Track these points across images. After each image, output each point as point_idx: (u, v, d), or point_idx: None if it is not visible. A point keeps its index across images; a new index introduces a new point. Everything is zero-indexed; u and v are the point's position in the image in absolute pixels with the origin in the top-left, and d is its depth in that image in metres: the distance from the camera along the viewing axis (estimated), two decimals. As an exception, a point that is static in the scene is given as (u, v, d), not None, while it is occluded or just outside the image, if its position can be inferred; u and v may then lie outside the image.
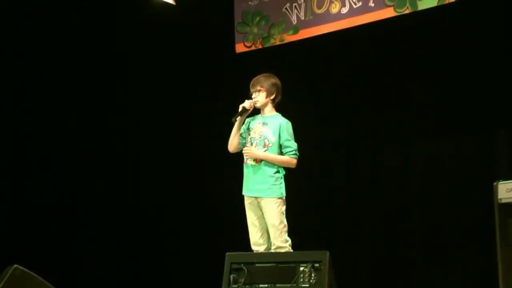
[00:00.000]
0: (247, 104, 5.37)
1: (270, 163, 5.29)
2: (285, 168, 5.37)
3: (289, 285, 4.48)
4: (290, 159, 5.31)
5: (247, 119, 5.47)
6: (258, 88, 5.39)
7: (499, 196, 4.28)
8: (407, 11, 6.46)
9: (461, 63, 6.46)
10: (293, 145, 5.32)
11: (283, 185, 5.32)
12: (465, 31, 6.41)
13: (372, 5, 6.64)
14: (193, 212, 7.74)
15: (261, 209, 5.31)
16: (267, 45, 7.39)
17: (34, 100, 7.79)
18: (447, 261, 6.50)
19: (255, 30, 7.46)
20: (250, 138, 5.40)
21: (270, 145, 5.31)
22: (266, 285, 4.56)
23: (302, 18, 7.11)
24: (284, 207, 5.29)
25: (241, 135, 5.44)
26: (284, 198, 5.30)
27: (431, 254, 6.62)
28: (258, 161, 5.31)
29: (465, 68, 6.44)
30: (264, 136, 5.34)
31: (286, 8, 7.22)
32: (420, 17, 6.49)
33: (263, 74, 5.47)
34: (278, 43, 7.32)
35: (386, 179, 6.86)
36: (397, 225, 6.78)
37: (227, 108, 7.54)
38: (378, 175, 6.93)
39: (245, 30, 7.52)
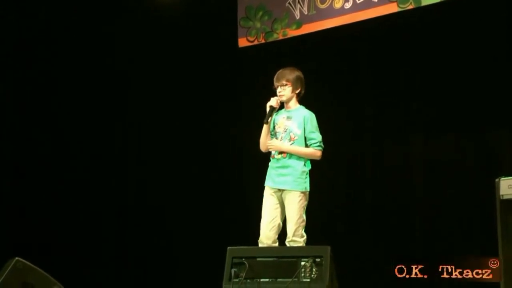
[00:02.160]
0: (273, 102, 5.36)
1: (296, 156, 5.29)
2: (311, 162, 5.37)
3: (290, 279, 4.48)
4: (314, 151, 5.31)
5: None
6: (284, 82, 5.37)
7: (501, 192, 4.29)
8: (410, 7, 6.44)
9: (464, 59, 6.44)
10: (318, 137, 5.32)
11: (308, 179, 5.31)
12: (468, 27, 6.40)
13: (375, 0, 6.63)
14: (195, 207, 7.74)
15: (280, 202, 5.31)
16: (270, 39, 7.38)
17: (37, 98, 7.83)
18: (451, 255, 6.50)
19: (258, 24, 7.45)
20: (276, 133, 5.39)
21: (296, 138, 5.31)
22: (267, 280, 4.56)
23: (305, 13, 7.11)
24: (306, 202, 5.28)
25: (270, 132, 5.44)
26: (307, 193, 5.29)
27: (432, 250, 6.62)
28: (283, 153, 5.31)
29: (467, 64, 6.42)
30: (290, 129, 5.33)
31: (289, 3, 7.22)
32: (423, 12, 6.47)
33: (287, 68, 5.44)
34: (281, 37, 7.31)
35: (388, 176, 6.86)
36: (399, 221, 6.78)
37: (229, 102, 7.58)
38: (380, 171, 6.93)
39: (248, 25, 7.52)
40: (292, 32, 7.22)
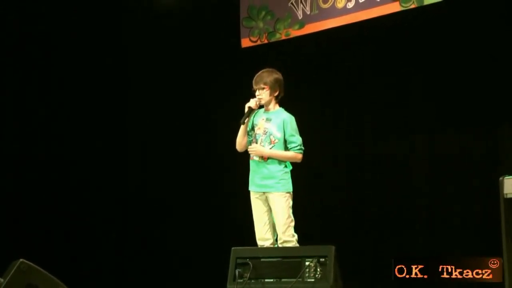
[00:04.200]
0: (252, 103, 5.35)
1: (276, 159, 5.29)
2: (292, 163, 5.37)
3: (294, 279, 4.48)
4: (295, 154, 5.30)
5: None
6: (262, 85, 5.36)
7: (505, 191, 4.26)
8: (412, 6, 6.44)
9: (466, 58, 6.45)
10: (298, 140, 5.31)
11: (290, 179, 5.31)
12: (470, 26, 6.40)
13: (378, -1, 6.64)
14: (198, 208, 7.75)
15: (267, 204, 5.31)
16: (273, 39, 7.39)
17: (39, 97, 7.85)
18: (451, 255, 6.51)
19: (261, 25, 7.46)
20: (255, 135, 5.38)
21: (276, 141, 5.30)
22: (272, 280, 4.56)
23: (308, 13, 7.11)
24: (291, 202, 5.28)
25: (248, 133, 5.44)
26: (291, 192, 5.30)
27: (435, 248, 6.62)
28: (264, 157, 5.31)
29: (470, 62, 6.43)
30: (269, 132, 5.32)
31: (291, 3, 7.22)
32: (425, 11, 6.48)
33: (265, 70, 5.42)
34: (283, 37, 7.32)
35: (391, 173, 6.87)
36: (402, 219, 6.78)
37: (232, 103, 7.57)
38: (383, 169, 6.94)
39: (251, 25, 7.52)
40: (295, 32, 7.22)
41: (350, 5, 6.79)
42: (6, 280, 4.25)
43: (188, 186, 7.85)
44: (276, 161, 5.29)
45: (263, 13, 7.45)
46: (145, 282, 7.88)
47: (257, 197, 5.34)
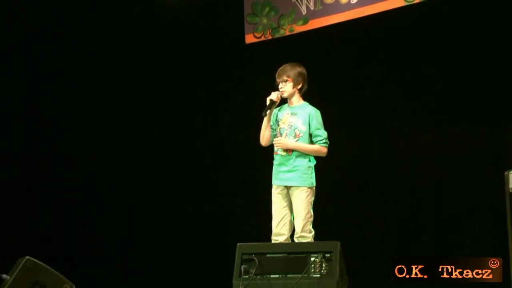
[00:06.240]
0: (274, 96, 5.36)
1: (301, 152, 5.29)
2: (315, 158, 5.37)
3: (300, 275, 4.49)
4: (320, 147, 5.32)
5: (275, 111, 5.46)
6: (285, 78, 5.37)
7: (510, 185, 4.27)
8: (417, 1, 6.43)
9: (472, 53, 6.43)
10: (323, 133, 5.33)
11: (313, 174, 5.33)
12: (477, 20, 6.38)
13: (382, -6, 6.63)
14: (204, 204, 7.75)
15: (287, 199, 5.32)
16: (277, 35, 7.38)
17: (44, 97, 7.86)
18: (458, 252, 6.50)
19: (265, 21, 7.45)
20: (280, 129, 5.39)
21: (301, 134, 5.32)
22: (277, 276, 4.57)
23: (312, 9, 7.10)
24: (313, 198, 5.31)
25: (271, 127, 5.44)
26: (314, 188, 5.32)
27: (442, 245, 6.62)
28: (289, 151, 5.31)
29: (475, 58, 6.41)
30: (294, 126, 5.33)
31: (295, -1, 7.22)
32: (430, 6, 6.46)
33: (288, 64, 5.44)
34: (287, 33, 7.31)
35: (398, 169, 6.86)
36: (408, 215, 6.78)
37: (237, 98, 7.58)
38: (390, 165, 6.93)
39: (255, 21, 7.51)
40: (299, 28, 7.21)
41: (354, 0, 6.78)
42: (13, 277, 4.27)
43: (193, 183, 7.84)
44: (300, 155, 5.30)
45: (267, 9, 7.44)
46: (151, 279, 7.88)
47: (278, 192, 5.35)
